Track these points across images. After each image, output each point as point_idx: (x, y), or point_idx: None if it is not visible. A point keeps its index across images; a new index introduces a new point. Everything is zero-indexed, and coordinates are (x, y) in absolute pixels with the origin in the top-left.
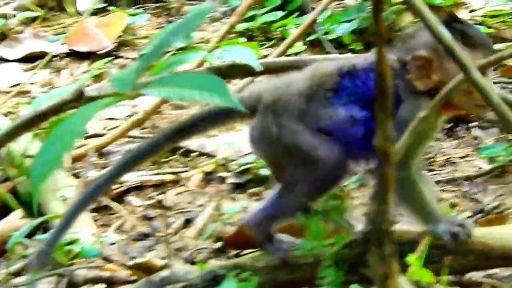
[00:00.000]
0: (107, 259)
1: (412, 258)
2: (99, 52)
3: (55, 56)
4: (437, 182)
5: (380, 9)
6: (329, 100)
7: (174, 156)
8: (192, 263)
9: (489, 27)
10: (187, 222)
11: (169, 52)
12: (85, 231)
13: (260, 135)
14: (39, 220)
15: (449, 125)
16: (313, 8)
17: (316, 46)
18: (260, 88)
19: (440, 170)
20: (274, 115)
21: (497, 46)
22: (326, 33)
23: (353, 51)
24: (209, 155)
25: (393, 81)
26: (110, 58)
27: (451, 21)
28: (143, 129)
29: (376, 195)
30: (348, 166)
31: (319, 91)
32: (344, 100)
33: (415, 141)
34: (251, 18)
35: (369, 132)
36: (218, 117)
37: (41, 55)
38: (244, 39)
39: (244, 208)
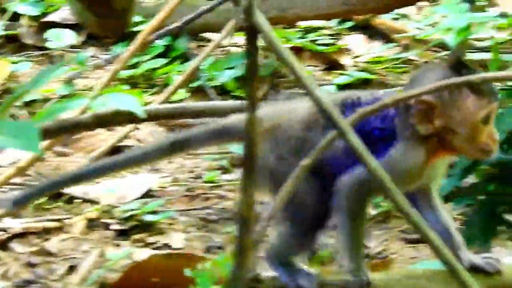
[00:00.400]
0: None
1: None
2: None
3: None
4: None
5: (255, 70)
6: (329, 130)
7: (58, 203)
8: None
9: (373, 73)
10: (71, 269)
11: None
12: None
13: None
14: None
15: None
16: (196, 55)
17: (199, 93)
18: (261, 112)
19: None
20: (273, 143)
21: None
22: (210, 80)
23: (236, 97)
24: (93, 202)
25: (394, 119)
26: None
27: (459, 67)
28: (26, 176)
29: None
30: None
31: (320, 120)
32: None
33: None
34: (135, 65)
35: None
36: (217, 135)
37: None
38: (127, 87)
39: (128, 255)
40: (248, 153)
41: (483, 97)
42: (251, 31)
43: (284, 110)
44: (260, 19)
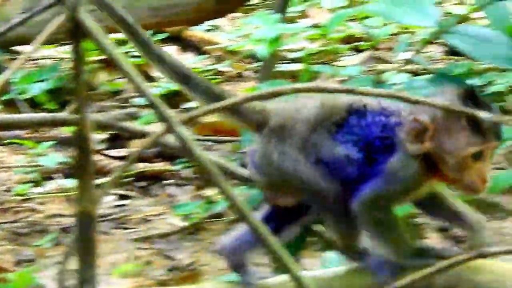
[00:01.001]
0: None
1: None
2: None
3: None
4: (132, 240)
5: (80, 73)
6: (333, 134)
7: None
8: None
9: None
10: None
11: None
12: None
13: (262, 159)
14: None
15: (144, 183)
16: (7, 68)
17: (11, 105)
18: (270, 108)
19: (135, 228)
20: (277, 141)
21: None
22: (21, 93)
23: (48, 110)
24: None
25: (395, 129)
26: None
27: (467, 98)
28: None
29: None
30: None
31: (325, 122)
32: (346, 138)
33: (398, 194)
34: None
35: (360, 175)
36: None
37: None
38: None
39: None
40: (83, 152)
41: (479, 133)
42: (77, 32)
43: (291, 109)
44: (87, 18)
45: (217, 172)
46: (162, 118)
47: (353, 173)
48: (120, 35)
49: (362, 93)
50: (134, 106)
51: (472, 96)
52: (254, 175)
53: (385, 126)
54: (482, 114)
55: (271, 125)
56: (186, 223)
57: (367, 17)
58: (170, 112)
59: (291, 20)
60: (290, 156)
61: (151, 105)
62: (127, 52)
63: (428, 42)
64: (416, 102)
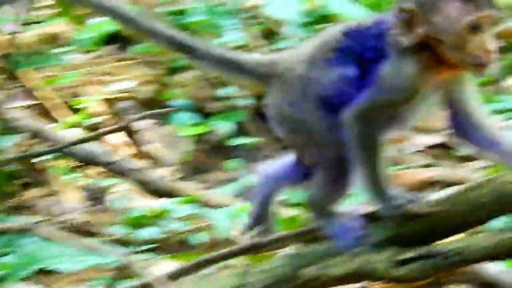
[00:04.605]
0: None
1: None
2: None
3: None
4: None
5: None
6: (329, 61)
7: None
8: None
9: None
10: None
11: None
12: None
13: (275, 113)
14: None
15: None
16: None
17: None
18: (274, 58)
19: None
20: (284, 89)
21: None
22: None
23: None
24: None
25: (385, 36)
26: None
27: None
28: None
29: None
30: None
31: (321, 53)
32: (343, 59)
33: (392, 103)
34: None
35: (358, 92)
36: (231, 65)
37: None
38: None
39: None
40: None
41: (471, 2)
42: None
43: (292, 52)
44: None
45: None
46: None
47: (351, 93)
48: None
49: None
50: None
51: None
52: (275, 130)
53: (377, 35)
54: None
55: (277, 72)
56: None
57: None
58: None
59: None
60: (299, 107)
61: None
62: None
63: None
64: None
